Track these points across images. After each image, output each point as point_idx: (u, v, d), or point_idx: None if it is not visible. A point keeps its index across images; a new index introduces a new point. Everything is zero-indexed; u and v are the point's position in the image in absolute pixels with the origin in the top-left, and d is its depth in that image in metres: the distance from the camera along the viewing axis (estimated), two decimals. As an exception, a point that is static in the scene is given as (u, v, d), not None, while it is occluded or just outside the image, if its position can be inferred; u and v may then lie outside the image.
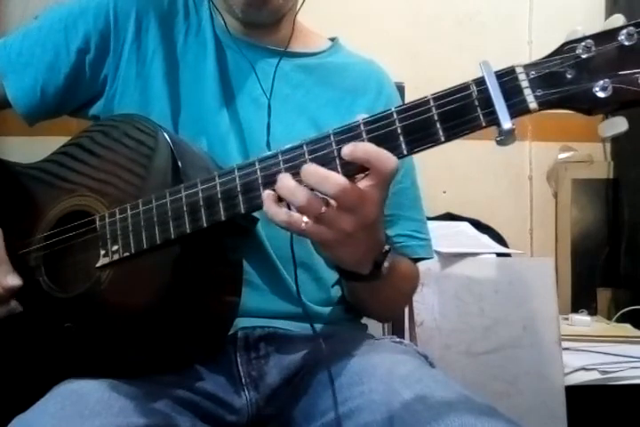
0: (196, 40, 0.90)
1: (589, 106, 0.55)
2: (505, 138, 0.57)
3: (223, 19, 0.89)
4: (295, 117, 0.88)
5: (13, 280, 0.76)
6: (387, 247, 0.71)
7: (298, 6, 0.93)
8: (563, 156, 2.15)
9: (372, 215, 0.61)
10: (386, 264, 0.71)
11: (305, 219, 0.59)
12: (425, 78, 2.01)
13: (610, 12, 2.17)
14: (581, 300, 2.02)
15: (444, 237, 1.61)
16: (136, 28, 0.88)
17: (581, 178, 2.12)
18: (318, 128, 0.89)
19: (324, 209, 0.59)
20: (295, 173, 0.61)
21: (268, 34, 0.92)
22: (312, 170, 0.59)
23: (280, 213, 0.60)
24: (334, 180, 0.58)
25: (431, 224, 1.00)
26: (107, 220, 0.72)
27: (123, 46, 0.88)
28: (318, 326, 0.86)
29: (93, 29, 0.88)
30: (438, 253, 1.46)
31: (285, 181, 0.60)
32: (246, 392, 0.79)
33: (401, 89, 1.12)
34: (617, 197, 2.09)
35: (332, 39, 1.01)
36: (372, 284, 0.73)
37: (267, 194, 0.61)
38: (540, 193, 2.19)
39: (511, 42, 2.17)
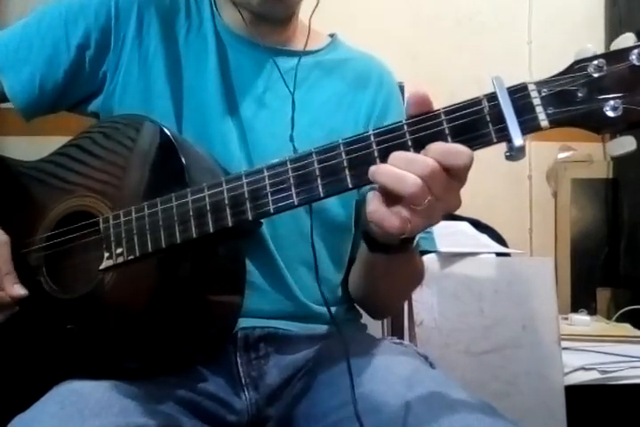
0: (198, 39, 0.90)
1: (599, 125, 0.55)
2: (515, 154, 0.57)
3: (241, 14, 0.89)
4: (298, 115, 0.88)
5: (20, 290, 0.76)
6: None
7: (304, 8, 0.93)
8: (562, 155, 2.16)
9: (456, 204, 0.60)
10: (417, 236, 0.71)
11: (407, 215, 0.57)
12: (425, 78, 2.02)
13: (609, 12, 2.17)
14: (581, 299, 2.02)
15: (444, 236, 1.60)
16: (137, 25, 0.88)
17: (581, 178, 2.13)
18: (321, 125, 0.89)
19: (429, 197, 0.56)
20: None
21: (274, 32, 0.92)
22: (400, 154, 0.57)
23: (393, 218, 0.57)
24: (424, 161, 0.56)
25: (431, 224, 1.00)
26: (111, 222, 0.72)
27: (123, 43, 0.88)
28: (318, 327, 0.86)
29: (94, 25, 0.87)
30: (438, 252, 1.46)
31: (389, 168, 0.57)
32: (246, 393, 0.79)
33: (401, 89, 1.12)
34: (616, 196, 2.09)
35: (331, 35, 1.01)
36: (394, 256, 0.72)
37: (374, 194, 0.59)
38: (539, 193, 2.19)
39: (511, 42, 2.17)
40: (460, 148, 0.57)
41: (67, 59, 0.87)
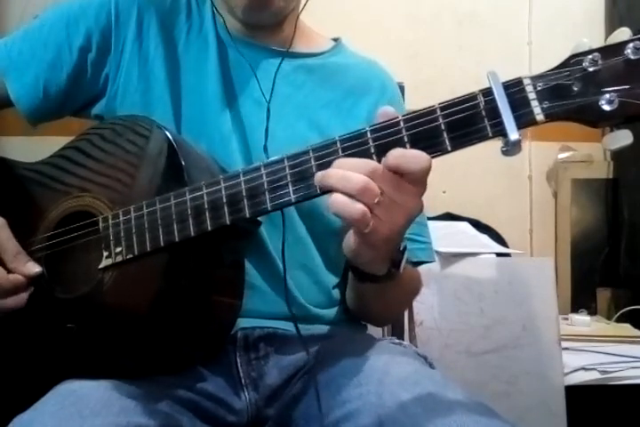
0: (198, 40, 0.90)
1: (595, 119, 0.56)
2: (511, 149, 0.57)
3: (224, 19, 0.89)
4: (296, 118, 0.88)
5: (35, 268, 0.76)
6: (403, 245, 0.71)
7: (300, 7, 0.93)
8: (562, 156, 2.16)
9: (416, 208, 0.61)
10: (403, 263, 0.71)
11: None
12: (425, 78, 2.02)
13: (609, 12, 2.17)
14: (581, 300, 2.02)
15: (444, 237, 1.61)
16: (137, 26, 0.88)
17: (581, 178, 2.13)
18: (319, 129, 0.88)
19: (378, 199, 0.58)
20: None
21: (270, 34, 0.92)
22: (344, 159, 0.60)
23: (353, 206, 0.58)
24: (366, 162, 0.59)
25: (431, 224, 0.99)
26: (110, 221, 0.72)
27: (124, 45, 0.88)
28: (318, 328, 0.86)
29: (95, 27, 0.88)
30: (438, 253, 1.46)
31: (336, 170, 0.59)
32: (246, 393, 0.79)
33: (401, 89, 1.12)
34: (616, 197, 2.09)
35: (335, 39, 1.01)
36: (383, 285, 0.72)
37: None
38: (539, 193, 2.19)
39: (511, 42, 2.17)
40: (418, 152, 0.58)
41: (69, 61, 0.88)
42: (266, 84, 0.87)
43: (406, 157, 0.58)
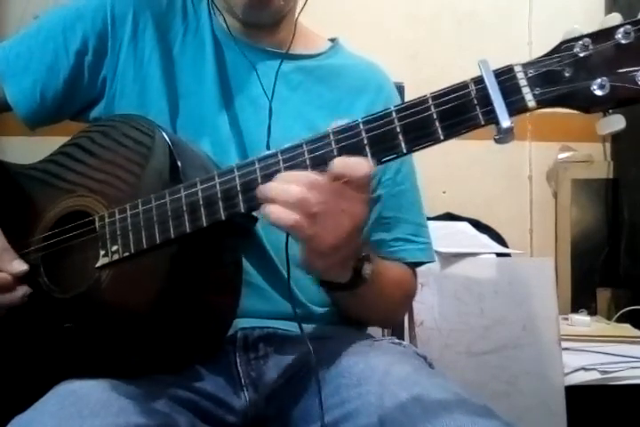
0: (195, 41, 0.90)
1: (587, 104, 0.56)
2: (503, 136, 0.57)
3: (225, 18, 0.89)
4: (293, 119, 0.88)
5: (20, 266, 0.76)
6: (364, 253, 0.72)
7: (298, 8, 0.93)
8: (562, 156, 2.16)
9: (362, 214, 0.63)
10: (367, 270, 0.72)
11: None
12: (425, 78, 2.01)
13: (610, 12, 2.16)
14: (581, 300, 2.02)
15: (444, 237, 1.61)
16: (133, 28, 0.88)
17: (581, 178, 2.13)
18: (316, 130, 0.88)
19: (316, 208, 0.60)
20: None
21: (268, 35, 0.92)
22: (284, 173, 0.62)
23: (286, 216, 0.60)
24: (305, 175, 0.61)
25: (431, 224, 0.99)
26: (106, 220, 0.72)
27: (120, 47, 0.88)
28: (318, 327, 0.86)
29: (91, 31, 0.88)
30: (438, 253, 1.46)
31: (275, 184, 0.62)
32: (245, 393, 0.79)
33: (401, 89, 1.12)
34: (617, 197, 2.09)
35: (333, 40, 1.01)
36: (355, 291, 0.73)
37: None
38: (539, 193, 2.19)
39: (511, 42, 2.17)
40: (359, 160, 0.60)
41: (66, 66, 0.88)
42: (263, 85, 0.87)
43: (348, 165, 0.60)
